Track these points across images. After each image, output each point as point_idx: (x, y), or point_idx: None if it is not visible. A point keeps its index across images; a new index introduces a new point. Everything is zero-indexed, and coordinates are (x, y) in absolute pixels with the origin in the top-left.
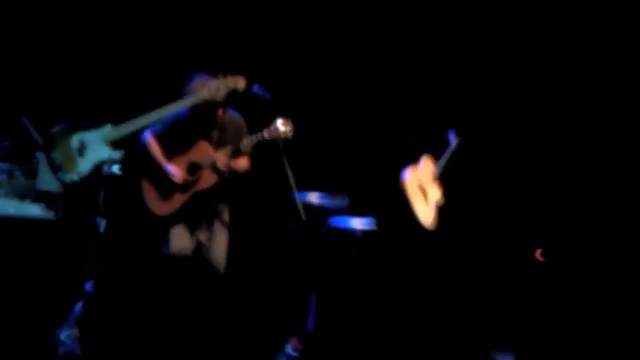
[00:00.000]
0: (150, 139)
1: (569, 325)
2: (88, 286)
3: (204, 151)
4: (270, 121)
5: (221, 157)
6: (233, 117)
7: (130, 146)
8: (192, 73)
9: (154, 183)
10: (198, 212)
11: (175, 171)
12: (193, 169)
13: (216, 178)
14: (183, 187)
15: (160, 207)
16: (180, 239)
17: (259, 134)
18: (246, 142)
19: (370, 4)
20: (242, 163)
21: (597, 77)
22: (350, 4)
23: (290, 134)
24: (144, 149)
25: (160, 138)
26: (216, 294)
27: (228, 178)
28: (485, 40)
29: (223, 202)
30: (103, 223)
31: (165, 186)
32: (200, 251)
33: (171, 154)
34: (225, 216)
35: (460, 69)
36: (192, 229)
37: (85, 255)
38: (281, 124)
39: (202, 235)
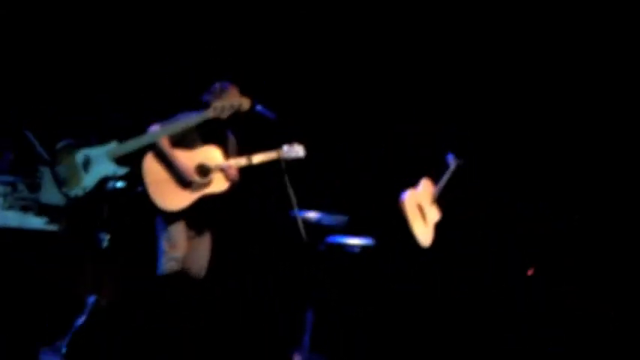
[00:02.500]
0: (161, 137)
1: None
2: (91, 299)
3: (214, 156)
4: (274, 140)
5: (233, 167)
6: (228, 134)
7: (136, 163)
8: (197, 90)
9: (160, 176)
10: (196, 216)
11: (187, 169)
12: (202, 171)
13: (226, 186)
14: (194, 187)
15: (167, 202)
16: (179, 236)
17: (275, 152)
18: (258, 158)
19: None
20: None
21: (586, 115)
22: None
23: (302, 157)
24: (153, 145)
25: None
26: (214, 309)
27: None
28: (483, 65)
29: (214, 212)
30: (106, 238)
31: (175, 183)
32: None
33: (177, 149)
34: (210, 227)
35: (460, 93)
36: (188, 231)
37: (87, 269)
38: (298, 147)
39: (192, 241)
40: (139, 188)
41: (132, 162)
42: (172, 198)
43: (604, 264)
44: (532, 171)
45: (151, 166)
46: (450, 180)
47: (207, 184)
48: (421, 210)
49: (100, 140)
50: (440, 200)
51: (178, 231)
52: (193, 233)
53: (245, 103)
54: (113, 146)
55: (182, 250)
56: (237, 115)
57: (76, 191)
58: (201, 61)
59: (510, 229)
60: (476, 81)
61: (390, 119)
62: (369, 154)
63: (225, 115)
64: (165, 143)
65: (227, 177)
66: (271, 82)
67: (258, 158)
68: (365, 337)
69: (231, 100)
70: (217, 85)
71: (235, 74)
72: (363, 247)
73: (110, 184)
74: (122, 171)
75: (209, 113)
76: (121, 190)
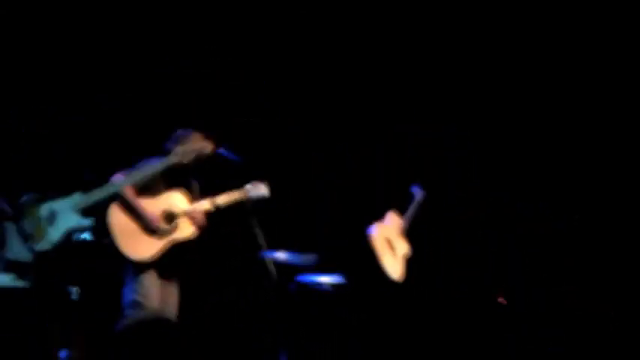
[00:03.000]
0: (125, 186)
1: None
2: (63, 354)
3: (179, 201)
4: (239, 182)
5: (199, 211)
6: (192, 179)
7: (101, 214)
8: (157, 137)
9: (127, 227)
10: (165, 264)
11: (153, 216)
12: (168, 217)
13: (194, 231)
14: (160, 234)
15: (136, 251)
16: (152, 285)
17: (238, 192)
18: (222, 200)
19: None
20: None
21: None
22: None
23: (266, 195)
24: (118, 195)
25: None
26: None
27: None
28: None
29: (185, 256)
30: (75, 291)
31: (142, 232)
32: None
33: (141, 197)
34: (178, 273)
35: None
36: (160, 279)
37: (58, 323)
38: (261, 186)
39: (163, 289)
40: (106, 240)
41: (97, 213)
42: (141, 247)
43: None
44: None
45: (116, 216)
46: (416, 212)
47: (173, 230)
48: (390, 243)
49: (61, 192)
50: (409, 233)
51: (151, 281)
52: (162, 281)
53: (208, 147)
54: (77, 198)
55: (156, 301)
56: (200, 159)
57: (43, 245)
58: (164, 107)
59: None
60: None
61: (352, 154)
62: (332, 190)
63: (187, 159)
64: (129, 192)
65: (193, 221)
66: (233, 124)
67: (222, 199)
68: None
69: (193, 145)
70: (179, 132)
71: (196, 119)
72: (334, 285)
73: (76, 236)
74: (87, 222)
75: (172, 159)
76: (88, 242)
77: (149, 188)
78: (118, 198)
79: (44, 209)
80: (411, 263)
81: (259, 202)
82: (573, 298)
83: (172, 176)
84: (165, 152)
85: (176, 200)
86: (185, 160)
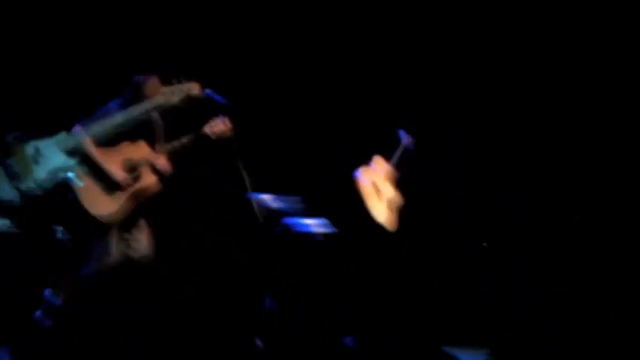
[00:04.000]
0: (85, 138)
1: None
2: (47, 293)
3: (140, 150)
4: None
5: (159, 157)
6: (156, 117)
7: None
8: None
9: (90, 183)
10: (132, 212)
11: (116, 170)
12: (130, 167)
13: (156, 177)
14: (123, 186)
15: (100, 207)
16: (110, 242)
17: (200, 132)
18: (187, 140)
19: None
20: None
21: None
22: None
23: (229, 132)
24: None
25: (94, 136)
26: (169, 298)
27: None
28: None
29: (152, 202)
30: (60, 230)
31: (103, 185)
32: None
33: (102, 149)
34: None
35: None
36: (124, 229)
37: (43, 263)
38: (224, 120)
39: (128, 234)
40: (69, 195)
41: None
42: (104, 202)
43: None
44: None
45: (79, 173)
46: (402, 156)
47: (136, 180)
48: (376, 188)
49: (47, 131)
50: (399, 182)
51: (111, 239)
52: (128, 233)
53: (195, 88)
54: (63, 137)
55: (116, 257)
56: (186, 101)
57: (28, 184)
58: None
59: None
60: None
61: (339, 97)
62: (319, 133)
63: (175, 100)
64: (89, 146)
65: (156, 167)
66: (215, 66)
67: (183, 140)
68: (327, 322)
69: (180, 86)
70: (140, 77)
71: (184, 64)
72: (320, 228)
73: (61, 176)
74: (72, 162)
75: (159, 99)
76: (72, 180)
77: (111, 138)
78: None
79: (30, 148)
80: (401, 212)
81: (230, 140)
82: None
83: (132, 123)
84: (125, 98)
85: (137, 149)
86: (172, 100)
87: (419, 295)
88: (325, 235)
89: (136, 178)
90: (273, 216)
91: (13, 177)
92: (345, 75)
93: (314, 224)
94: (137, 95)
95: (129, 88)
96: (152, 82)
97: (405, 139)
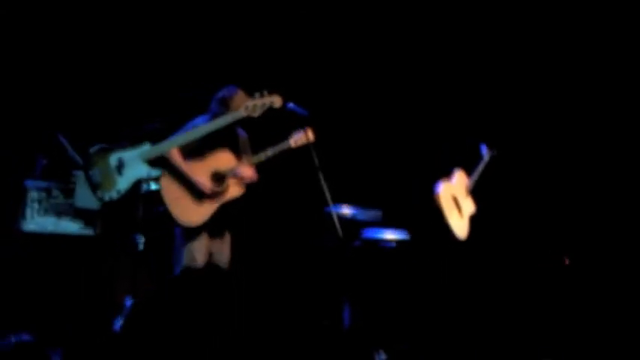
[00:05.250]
0: (173, 150)
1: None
2: (128, 302)
3: (226, 161)
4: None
5: (246, 168)
6: (239, 132)
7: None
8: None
9: (178, 194)
10: (217, 222)
11: (204, 182)
12: (217, 178)
13: (243, 188)
14: (212, 197)
15: (189, 217)
16: (199, 250)
17: (283, 143)
18: (271, 152)
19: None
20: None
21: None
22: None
23: (311, 140)
24: (166, 160)
25: (180, 147)
26: (250, 308)
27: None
28: (516, 54)
29: (234, 212)
30: (141, 240)
31: (193, 196)
32: (210, 260)
33: (189, 160)
34: (230, 229)
35: (488, 83)
36: (210, 239)
37: (123, 271)
38: (306, 132)
39: (214, 245)
40: (160, 208)
41: (165, 164)
42: (193, 212)
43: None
44: (566, 161)
45: (167, 184)
46: (483, 171)
47: (224, 192)
48: (456, 202)
49: (133, 143)
50: (474, 192)
51: (200, 246)
52: (213, 240)
53: (277, 101)
54: (146, 148)
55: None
56: (267, 112)
57: (111, 194)
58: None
59: (545, 220)
60: (508, 70)
61: (423, 111)
62: (400, 146)
63: (257, 113)
64: (177, 157)
65: (242, 180)
66: (298, 80)
67: (268, 152)
68: (404, 332)
69: (263, 99)
70: (225, 91)
71: (265, 78)
72: (399, 242)
73: (144, 187)
74: (156, 173)
75: (241, 112)
76: (155, 192)
77: (196, 150)
78: (167, 166)
79: (113, 159)
80: (475, 222)
81: (325, 155)
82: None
83: (217, 134)
84: (212, 112)
85: (224, 159)
86: (254, 114)
87: (492, 305)
88: (401, 244)
89: (224, 189)
90: (353, 227)
91: (96, 187)
92: (428, 88)
93: (392, 235)
94: (223, 108)
95: (215, 102)
96: (238, 96)
97: (487, 152)
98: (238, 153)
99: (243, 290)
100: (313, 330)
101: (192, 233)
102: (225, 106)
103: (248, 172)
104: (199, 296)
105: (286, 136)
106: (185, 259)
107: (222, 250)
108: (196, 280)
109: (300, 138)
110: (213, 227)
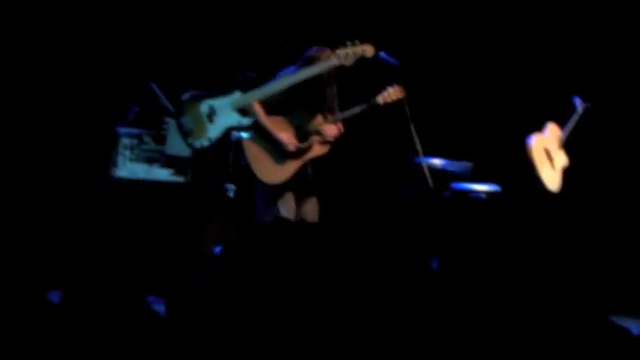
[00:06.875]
0: (255, 105)
1: None
2: (217, 250)
3: (311, 117)
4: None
5: (331, 126)
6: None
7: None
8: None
9: (261, 150)
10: (301, 178)
11: (288, 139)
12: (302, 135)
13: (328, 145)
14: (296, 154)
15: (271, 175)
16: (288, 205)
17: (372, 101)
18: (358, 110)
19: None
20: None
21: None
22: None
23: (401, 98)
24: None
25: (264, 102)
26: (338, 258)
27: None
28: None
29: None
30: (231, 189)
31: (275, 153)
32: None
33: (273, 115)
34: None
35: (582, 36)
36: (295, 195)
37: (214, 220)
38: (393, 90)
39: (299, 202)
40: (242, 162)
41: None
42: (275, 170)
43: None
44: None
45: (249, 140)
46: (577, 124)
47: (308, 149)
48: (549, 155)
49: (224, 90)
50: (567, 145)
51: (283, 203)
52: (299, 197)
53: (369, 50)
54: (237, 96)
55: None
56: (358, 63)
57: (202, 142)
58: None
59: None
60: (604, 23)
61: (512, 63)
62: (492, 99)
63: (349, 62)
64: (261, 113)
65: (326, 137)
66: (390, 30)
67: (356, 110)
68: (492, 285)
69: (354, 48)
70: (315, 48)
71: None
72: (490, 194)
73: (235, 135)
74: (247, 121)
75: (333, 61)
76: (246, 139)
77: (283, 104)
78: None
79: (204, 106)
80: (568, 175)
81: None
82: None
83: (304, 91)
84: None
85: (307, 117)
86: (347, 63)
87: (582, 260)
88: (491, 195)
89: (308, 147)
90: (443, 179)
91: (187, 134)
92: (521, 41)
93: (483, 188)
94: (310, 64)
95: (301, 60)
96: (326, 54)
97: (580, 105)
98: (324, 110)
99: (333, 242)
100: (402, 281)
101: (275, 190)
102: (310, 63)
103: (333, 130)
104: (289, 248)
105: (377, 91)
106: (269, 216)
107: (309, 207)
108: (286, 231)
109: (389, 95)
110: (297, 185)
